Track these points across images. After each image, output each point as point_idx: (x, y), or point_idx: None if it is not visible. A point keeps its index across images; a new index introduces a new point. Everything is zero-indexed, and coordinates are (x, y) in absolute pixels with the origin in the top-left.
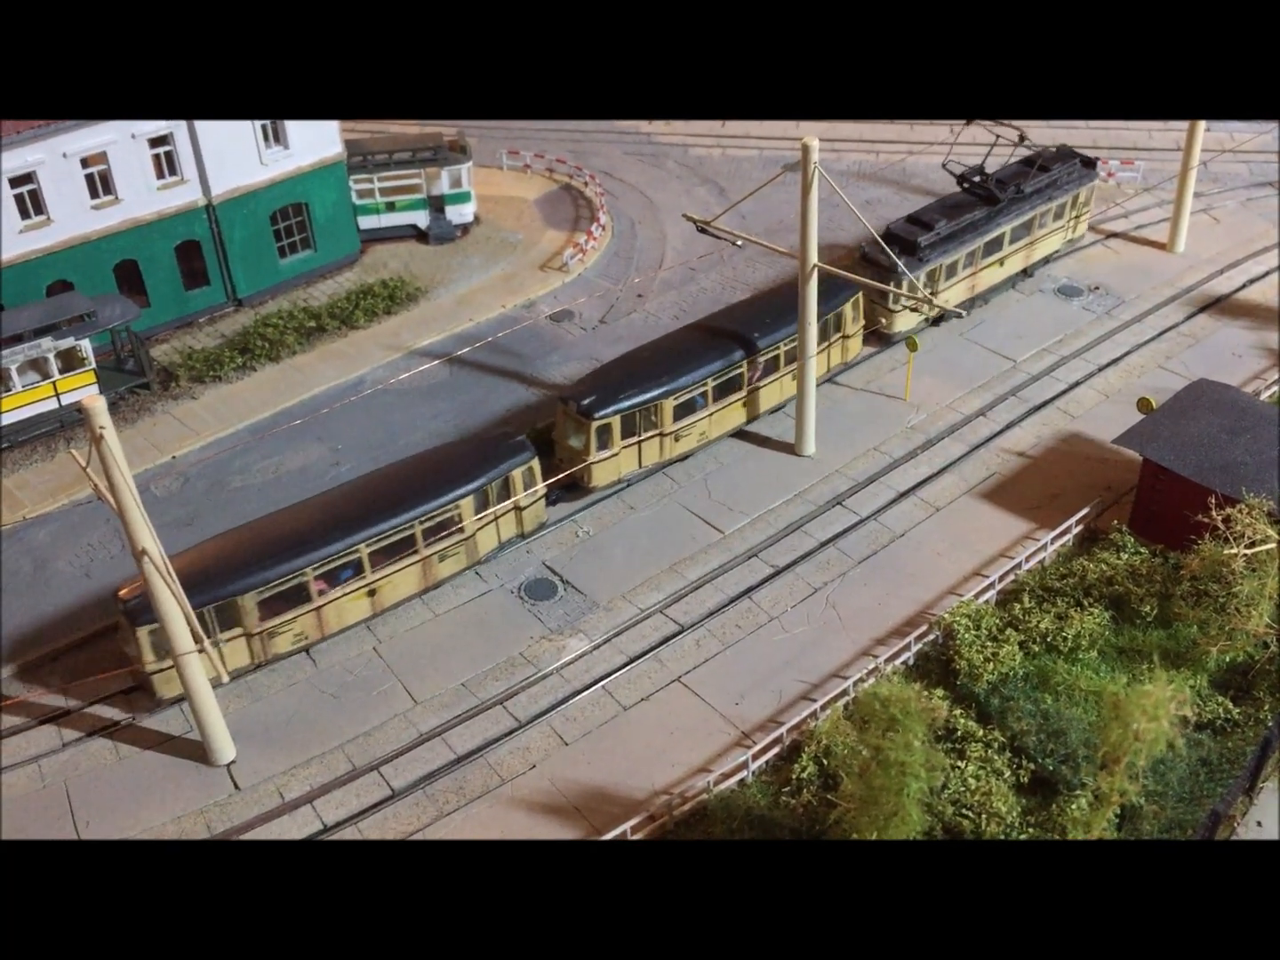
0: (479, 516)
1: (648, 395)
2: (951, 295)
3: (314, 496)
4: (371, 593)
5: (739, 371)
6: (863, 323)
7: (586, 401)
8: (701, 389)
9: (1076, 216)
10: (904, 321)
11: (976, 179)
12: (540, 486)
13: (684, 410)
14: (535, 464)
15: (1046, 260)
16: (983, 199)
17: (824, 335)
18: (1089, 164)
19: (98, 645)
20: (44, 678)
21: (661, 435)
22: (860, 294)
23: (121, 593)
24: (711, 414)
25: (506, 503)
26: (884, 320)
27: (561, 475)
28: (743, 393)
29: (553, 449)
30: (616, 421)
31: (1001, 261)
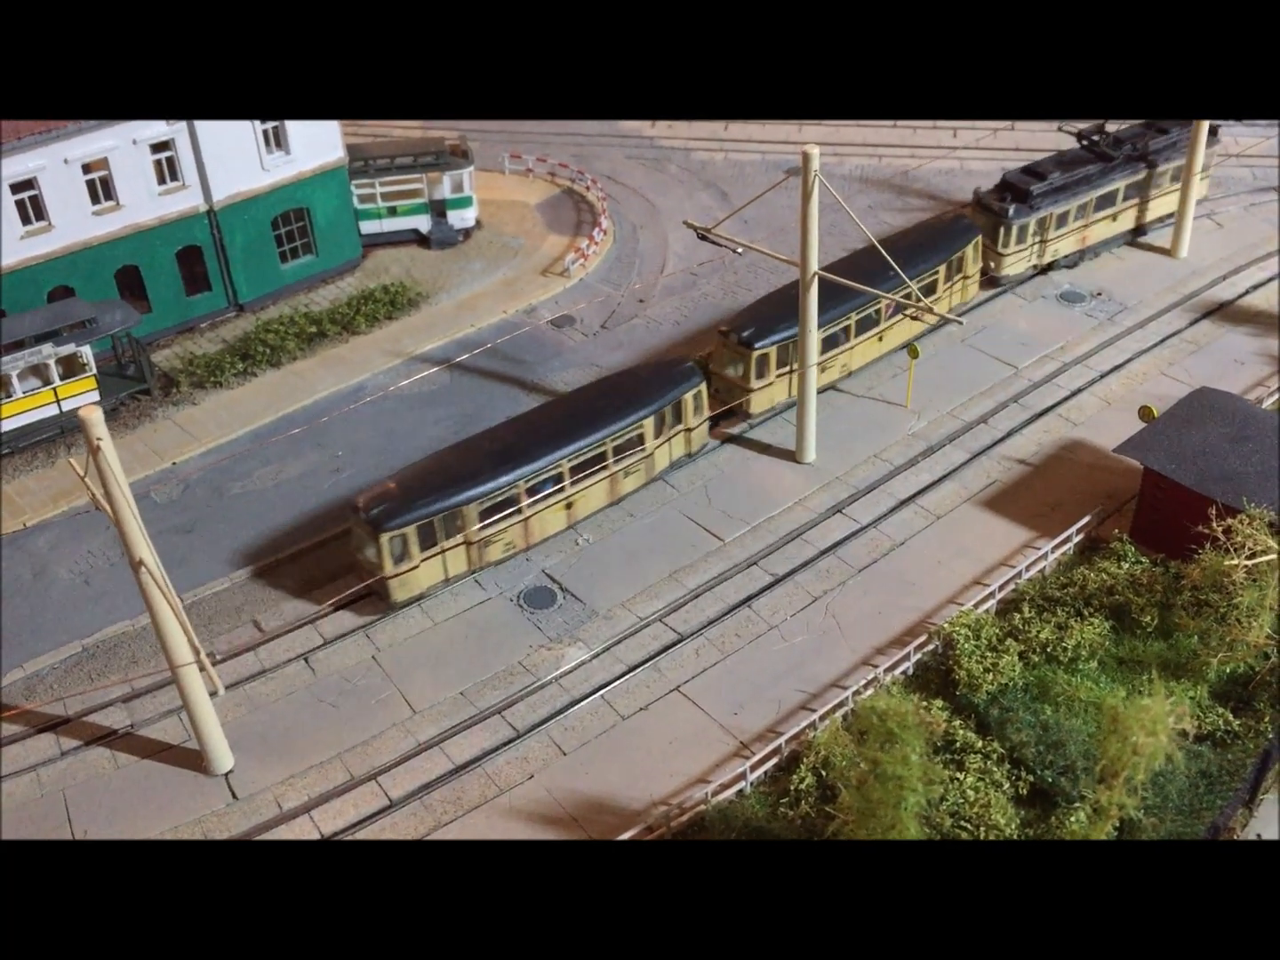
0: (658, 436)
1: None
2: (1061, 245)
3: (516, 417)
4: (569, 505)
5: (876, 309)
6: (980, 265)
7: (747, 333)
8: (845, 324)
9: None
10: (1013, 266)
11: (1095, 137)
12: (706, 411)
13: (829, 344)
14: (704, 389)
15: (1162, 221)
16: (1099, 156)
17: (947, 276)
18: (1212, 131)
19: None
20: (45, 685)
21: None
22: (980, 237)
23: (359, 501)
24: (853, 347)
25: (678, 425)
26: (994, 264)
27: (726, 406)
28: (878, 328)
29: (710, 378)
30: (774, 352)
31: (1114, 217)
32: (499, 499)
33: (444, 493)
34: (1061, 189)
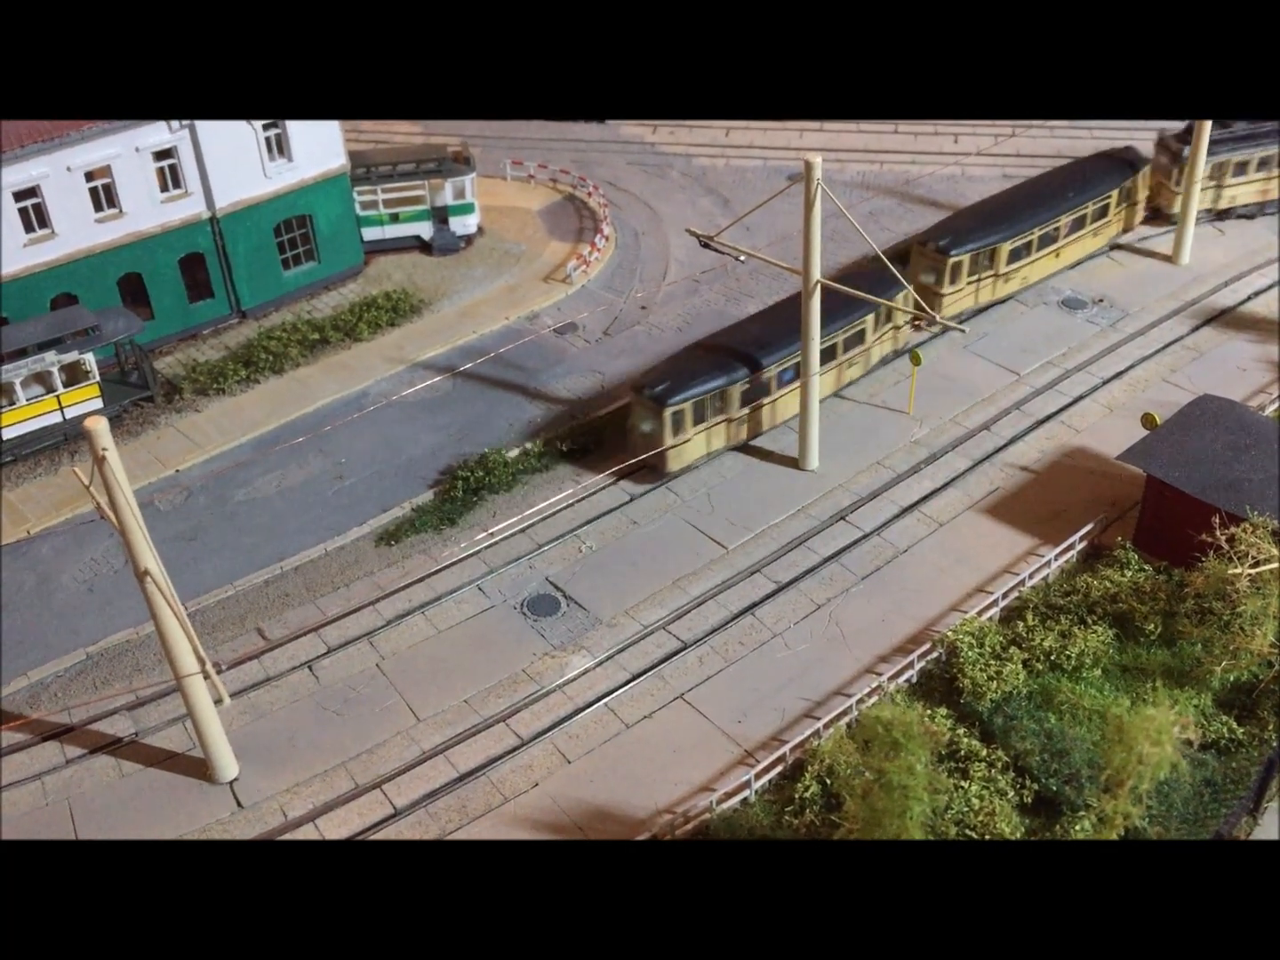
0: (875, 333)
1: (990, 240)
2: (1239, 193)
3: (759, 313)
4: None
5: (1056, 226)
6: (1146, 195)
7: (943, 241)
8: (1028, 239)
9: None
10: (1181, 203)
11: None
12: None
13: (1014, 255)
14: (910, 293)
15: None
16: None
17: (1118, 203)
18: None
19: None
20: (49, 693)
21: (996, 276)
22: (1149, 167)
23: (642, 381)
24: (1034, 260)
25: (889, 324)
26: (1166, 201)
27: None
28: (1057, 244)
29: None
30: (966, 260)
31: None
32: (756, 383)
33: (714, 375)
34: (1244, 139)
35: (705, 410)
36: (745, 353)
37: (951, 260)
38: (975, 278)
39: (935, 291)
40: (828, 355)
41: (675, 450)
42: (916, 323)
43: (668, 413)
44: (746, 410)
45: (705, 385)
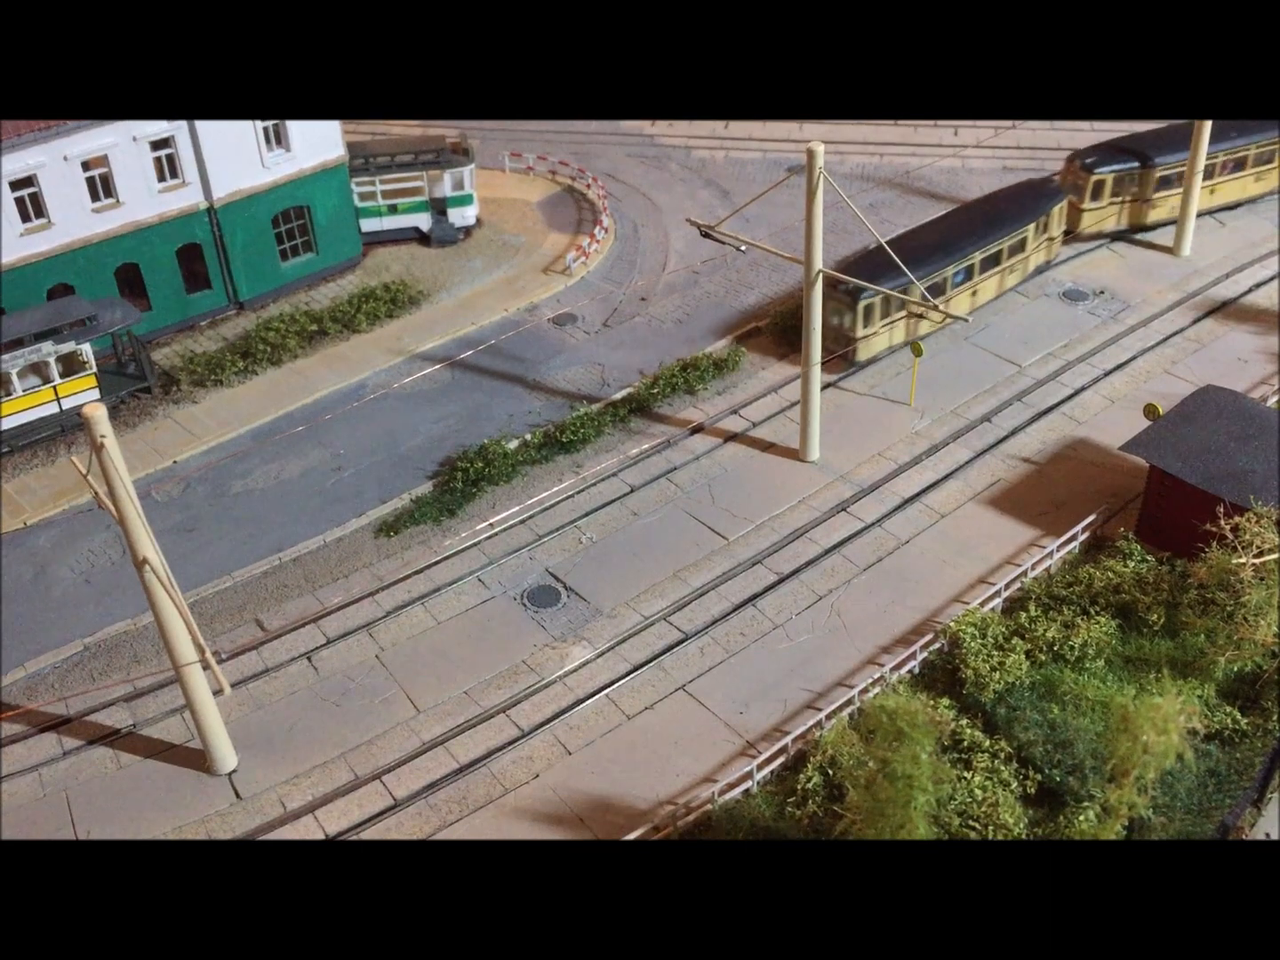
0: (1035, 241)
1: (1133, 164)
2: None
3: (934, 219)
4: (974, 293)
5: (1214, 163)
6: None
7: (1090, 160)
8: (1180, 169)
9: None
10: None
11: None
12: (1063, 225)
13: (1163, 184)
14: (1065, 205)
15: None
16: None
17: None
18: None
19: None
20: (46, 684)
21: (1138, 201)
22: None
23: (835, 274)
24: (1178, 191)
25: (1045, 234)
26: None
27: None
28: (1212, 181)
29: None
30: (1110, 180)
31: None
32: (934, 282)
33: (899, 272)
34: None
35: (891, 305)
36: (925, 254)
37: (1094, 179)
38: (1120, 199)
39: (1078, 208)
40: (992, 261)
41: (864, 341)
42: (916, 313)
43: (860, 305)
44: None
45: (892, 282)
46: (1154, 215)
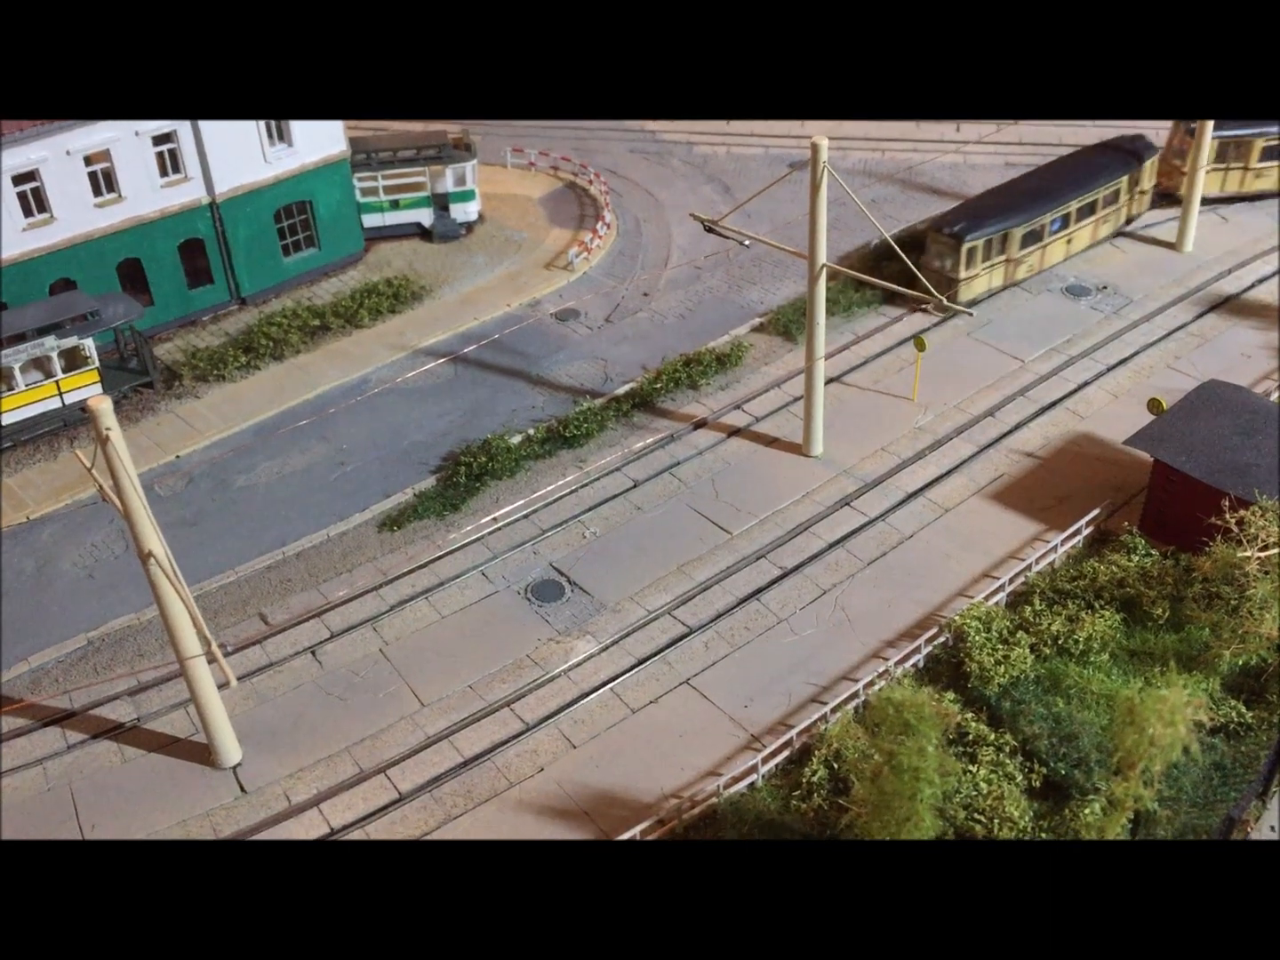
0: (1128, 193)
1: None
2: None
3: (1034, 170)
4: (1069, 241)
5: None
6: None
7: (1194, 126)
8: (1246, 145)
9: None
10: None
11: None
12: (1153, 179)
13: (1270, 155)
14: (1155, 160)
15: None
16: None
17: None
18: None
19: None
20: (50, 678)
21: (1239, 169)
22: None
23: (941, 221)
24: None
25: (1136, 188)
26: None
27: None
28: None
29: None
30: (1214, 146)
31: None
32: (1032, 229)
33: (1002, 218)
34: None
35: (992, 249)
36: (1025, 202)
37: (966, 246)
38: (1224, 165)
39: (1180, 172)
40: (1088, 210)
41: (966, 283)
42: (921, 307)
43: (964, 248)
44: (1022, 253)
45: (996, 226)
46: (1260, 185)
